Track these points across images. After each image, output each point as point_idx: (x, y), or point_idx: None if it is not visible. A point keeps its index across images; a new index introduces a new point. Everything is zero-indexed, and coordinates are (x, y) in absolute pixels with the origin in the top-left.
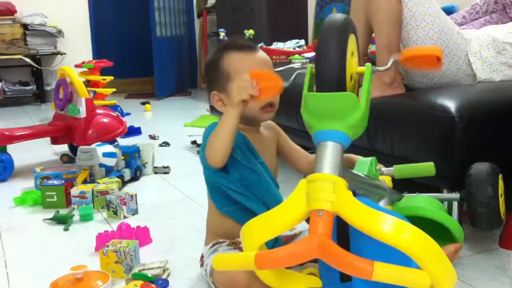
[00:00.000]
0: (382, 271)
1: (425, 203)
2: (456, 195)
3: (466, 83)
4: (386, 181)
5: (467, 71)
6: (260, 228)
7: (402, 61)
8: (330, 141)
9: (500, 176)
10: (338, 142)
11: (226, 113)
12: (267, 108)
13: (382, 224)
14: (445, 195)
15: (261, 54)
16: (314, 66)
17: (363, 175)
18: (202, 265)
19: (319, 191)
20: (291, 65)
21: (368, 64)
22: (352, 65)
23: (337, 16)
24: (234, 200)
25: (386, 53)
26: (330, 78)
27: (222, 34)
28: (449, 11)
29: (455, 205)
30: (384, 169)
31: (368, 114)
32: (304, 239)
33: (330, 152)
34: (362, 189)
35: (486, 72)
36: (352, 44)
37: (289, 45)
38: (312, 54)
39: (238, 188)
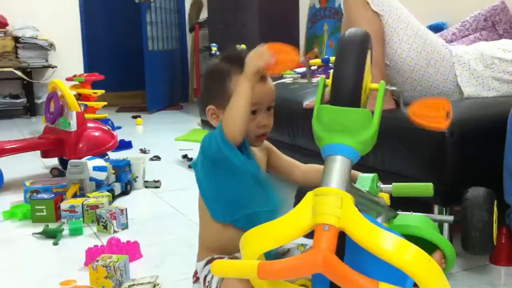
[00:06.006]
0: None
1: (419, 222)
2: (450, 218)
3: (454, 96)
4: (384, 198)
5: (454, 82)
6: (262, 237)
7: (411, 116)
8: (339, 155)
9: (496, 202)
10: (347, 157)
11: (240, 85)
12: (261, 137)
13: (387, 243)
14: (439, 216)
15: (270, 82)
16: (330, 78)
17: (365, 191)
18: (196, 281)
19: (326, 205)
20: (282, 80)
21: (382, 82)
22: (367, 81)
23: (357, 30)
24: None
25: (373, 69)
26: (347, 92)
27: (214, 49)
28: (439, 28)
29: (445, 225)
30: (382, 186)
31: (378, 131)
32: (308, 252)
33: (339, 167)
34: (363, 204)
35: (472, 85)
36: (368, 60)
37: None
38: (303, 69)
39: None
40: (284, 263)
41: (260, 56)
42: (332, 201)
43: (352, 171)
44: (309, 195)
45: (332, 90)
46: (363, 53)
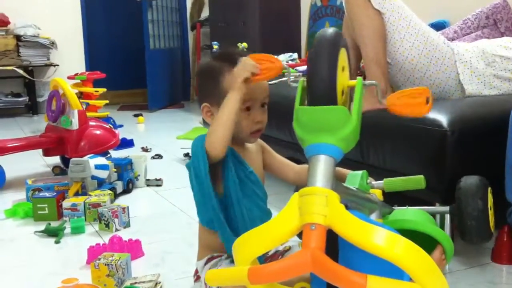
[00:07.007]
0: (375, 284)
1: (415, 216)
2: (445, 208)
3: (455, 95)
4: (377, 194)
5: (456, 80)
6: (253, 242)
7: (390, 107)
8: (322, 155)
9: (489, 189)
10: (330, 156)
11: (228, 97)
12: (256, 133)
13: (375, 237)
14: (435, 208)
15: None
16: (305, 80)
17: (355, 188)
18: (196, 280)
19: (311, 205)
20: (283, 78)
21: (359, 78)
22: (344, 79)
23: (328, 30)
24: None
25: (374, 67)
26: (321, 91)
27: (215, 47)
28: (441, 26)
29: (447, 218)
30: (374, 182)
31: (360, 126)
32: (297, 253)
33: (322, 166)
34: (353, 202)
35: (474, 84)
36: (343, 58)
37: (282, 58)
38: (305, 67)
39: (229, 197)
40: (274, 266)
41: (245, 68)
42: (317, 200)
43: (342, 169)
44: (295, 196)
45: (307, 91)
46: (334, 52)
